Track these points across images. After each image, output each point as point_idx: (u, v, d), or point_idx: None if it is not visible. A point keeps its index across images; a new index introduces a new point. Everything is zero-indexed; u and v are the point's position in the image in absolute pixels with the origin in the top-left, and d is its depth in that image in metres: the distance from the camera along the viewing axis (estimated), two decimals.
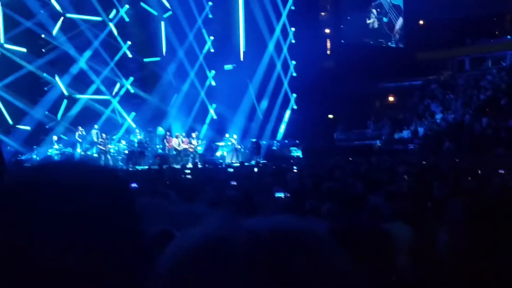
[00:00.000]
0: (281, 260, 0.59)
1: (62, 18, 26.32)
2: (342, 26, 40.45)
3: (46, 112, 26.06)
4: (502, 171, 11.11)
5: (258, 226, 0.63)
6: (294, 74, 34.70)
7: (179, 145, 25.90)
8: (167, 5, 30.12)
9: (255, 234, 0.61)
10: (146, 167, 21.59)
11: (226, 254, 0.59)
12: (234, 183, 9.77)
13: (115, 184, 1.04)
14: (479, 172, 11.40)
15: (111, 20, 28.44)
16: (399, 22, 41.83)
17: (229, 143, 27.79)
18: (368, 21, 40.90)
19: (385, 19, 41.36)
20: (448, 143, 26.57)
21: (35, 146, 24.35)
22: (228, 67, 31.77)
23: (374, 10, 41.08)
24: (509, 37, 38.53)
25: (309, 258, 0.60)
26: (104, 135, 25.04)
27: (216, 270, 0.58)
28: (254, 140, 28.78)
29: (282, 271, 0.58)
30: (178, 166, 19.72)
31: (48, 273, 0.88)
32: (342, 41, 39.87)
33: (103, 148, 24.58)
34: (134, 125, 28.39)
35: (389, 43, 42.00)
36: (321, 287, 0.59)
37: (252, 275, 0.56)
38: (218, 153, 28.75)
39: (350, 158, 22.00)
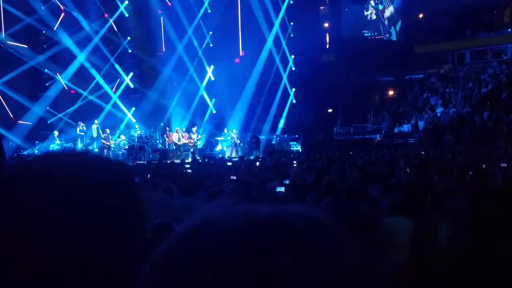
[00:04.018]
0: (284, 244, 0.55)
1: (62, 14, 26.36)
2: (341, 19, 40.29)
3: (48, 108, 26.18)
4: (505, 165, 11.09)
5: (258, 209, 0.60)
6: (293, 68, 34.63)
7: (179, 139, 25.90)
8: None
9: (253, 216, 0.58)
10: (146, 162, 21.57)
11: (220, 233, 0.56)
12: (234, 177, 9.73)
13: (119, 175, 1.02)
14: (483, 166, 11.35)
15: (111, 16, 28.44)
16: (390, 9, 41.55)
17: (229, 138, 27.77)
18: (366, 13, 40.73)
19: (380, 7, 41.15)
20: (448, 137, 26.55)
21: (37, 142, 24.41)
22: None
23: (372, 1, 40.91)
24: (509, 30, 38.40)
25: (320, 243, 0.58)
26: (108, 130, 25.14)
27: (207, 249, 0.55)
28: (253, 134, 28.75)
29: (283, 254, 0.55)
30: (178, 161, 19.68)
31: (44, 259, 0.86)
32: (342, 34, 39.75)
33: (107, 143, 24.65)
34: (134, 120, 28.43)
35: (387, 35, 41.81)
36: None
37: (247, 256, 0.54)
38: (218, 148, 28.76)
39: (350, 152, 21.99)
